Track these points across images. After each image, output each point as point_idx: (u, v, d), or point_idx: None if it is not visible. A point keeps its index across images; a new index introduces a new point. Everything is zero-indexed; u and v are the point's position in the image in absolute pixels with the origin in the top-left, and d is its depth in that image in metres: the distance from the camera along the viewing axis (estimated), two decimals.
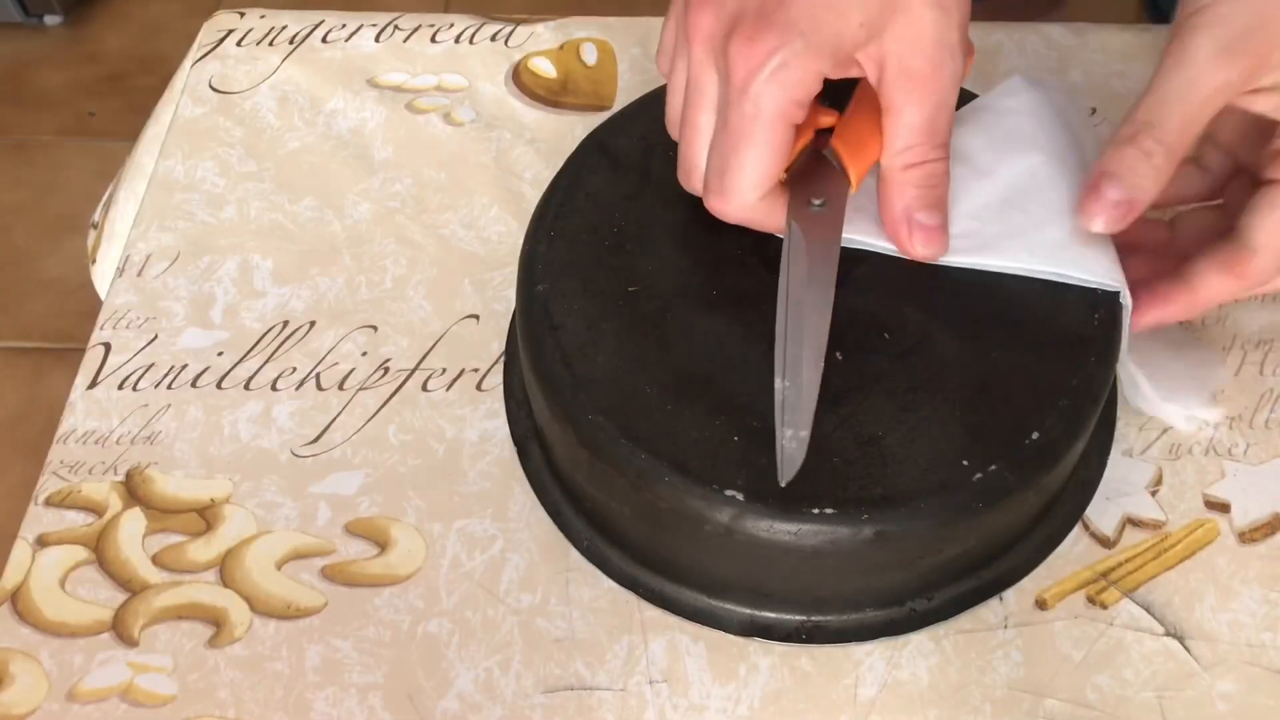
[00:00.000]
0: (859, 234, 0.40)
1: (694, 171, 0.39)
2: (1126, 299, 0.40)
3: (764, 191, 0.37)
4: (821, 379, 0.38)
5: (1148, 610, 0.41)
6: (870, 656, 0.40)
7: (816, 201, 0.39)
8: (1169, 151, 0.38)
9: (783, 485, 0.35)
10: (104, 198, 0.61)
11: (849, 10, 0.35)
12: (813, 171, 0.39)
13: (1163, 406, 0.45)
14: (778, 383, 0.36)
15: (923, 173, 0.38)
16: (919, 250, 0.39)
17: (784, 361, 0.36)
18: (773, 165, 0.37)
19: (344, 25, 0.59)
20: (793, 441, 0.35)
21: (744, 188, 0.37)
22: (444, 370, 0.47)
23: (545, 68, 0.57)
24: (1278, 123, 0.39)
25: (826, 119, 0.40)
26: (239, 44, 0.59)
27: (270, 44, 0.59)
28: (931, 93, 0.36)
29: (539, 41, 0.59)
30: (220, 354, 0.47)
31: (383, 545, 0.42)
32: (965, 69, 0.38)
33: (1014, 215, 0.41)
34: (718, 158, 0.37)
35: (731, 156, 0.37)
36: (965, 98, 0.45)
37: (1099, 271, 0.40)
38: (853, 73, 0.37)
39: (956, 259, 0.40)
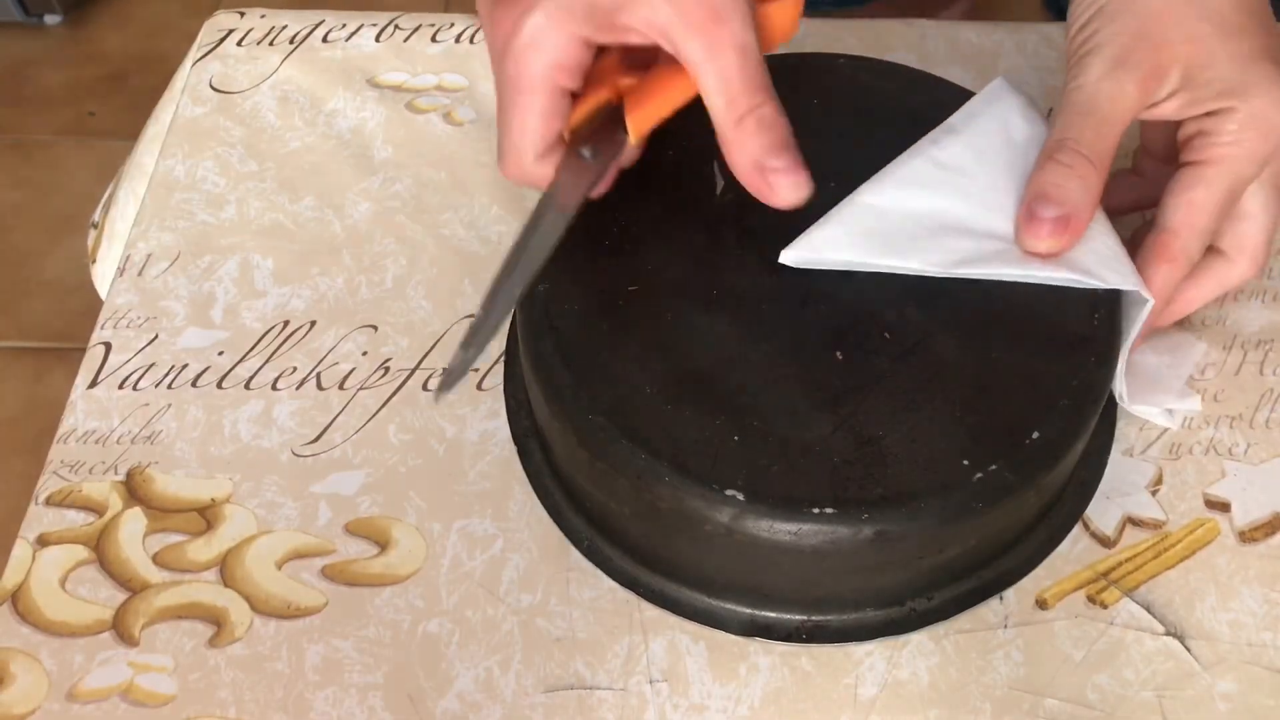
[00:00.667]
0: (866, 256, 0.40)
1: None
2: (1147, 296, 0.40)
3: (535, 153, 0.38)
4: (821, 379, 0.38)
5: (1148, 610, 0.41)
6: (870, 656, 0.40)
7: (585, 152, 0.39)
8: (1089, 161, 0.39)
9: (435, 401, 0.38)
10: (104, 197, 0.61)
11: None
12: (600, 128, 0.39)
13: (1135, 407, 0.45)
14: (478, 312, 0.38)
15: (755, 120, 0.37)
16: (783, 196, 0.38)
17: (488, 294, 0.38)
18: (538, 126, 0.37)
19: (344, 25, 0.59)
20: (459, 361, 0.38)
21: (516, 148, 0.38)
22: (444, 370, 0.47)
23: None
24: (1182, 121, 0.41)
25: (628, 80, 0.39)
26: (239, 44, 0.59)
27: (270, 44, 0.59)
28: (724, 39, 0.36)
29: None
30: (220, 354, 0.47)
31: (383, 545, 0.42)
32: (784, 10, 0.38)
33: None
34: (497, 124, 0.38)
35: (501, 121, 0.38)
36: (961, 95, 0.45)
37: (1110, 276, 0.40)
38: (630, 38, 0.37)
39: (975, 271, 0.40)
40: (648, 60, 0.39)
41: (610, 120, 0.39)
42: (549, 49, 0.36)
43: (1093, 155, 0.39)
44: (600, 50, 0.38)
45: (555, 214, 0.38)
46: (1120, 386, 0.43)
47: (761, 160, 0.37)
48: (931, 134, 0.43)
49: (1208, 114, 0.40)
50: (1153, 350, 0.46)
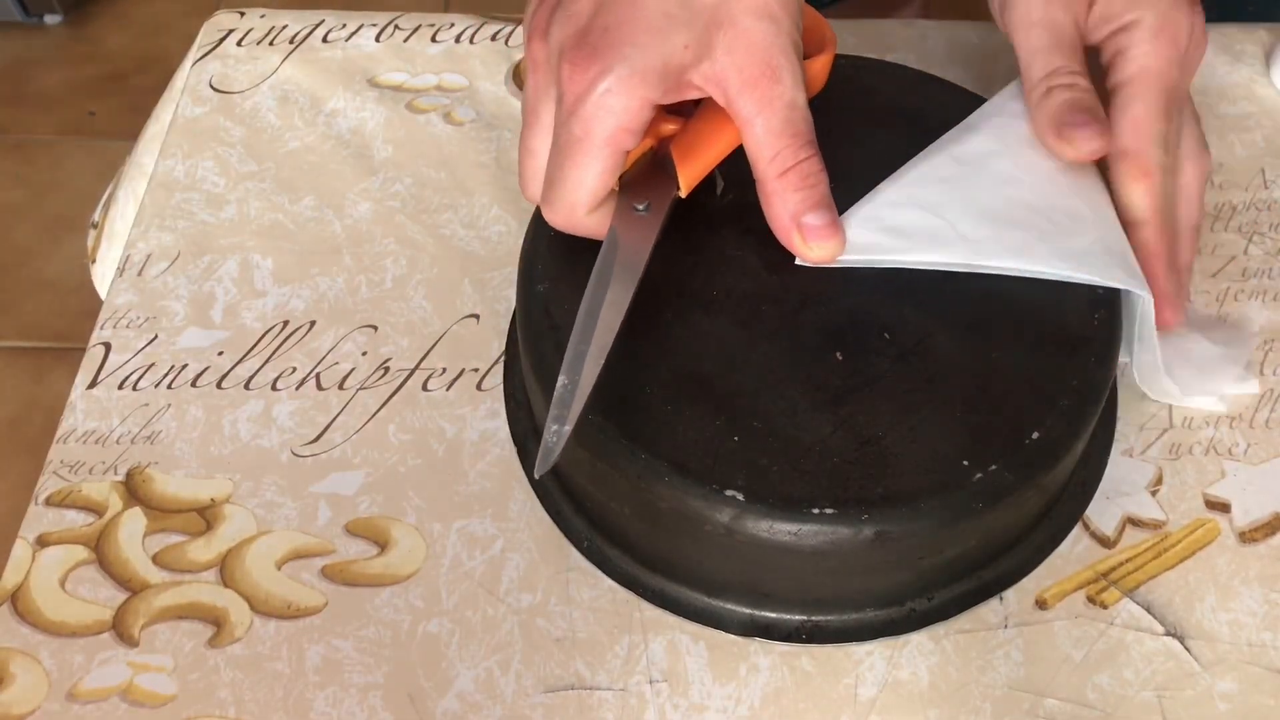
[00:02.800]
0: (886, 254, 0.40)
1: (526, 188, 0.41)
2: (1149, 302, 0.41)
3: (590, 208, 0.39)
4: (821, 379, 0.38)
5: (1148, 610, 0.41)
6: (870, 656, 0.40)
7: (640, 206, 0.40)
8: (1083, 78, 0.42)
9: (536, 477, 0.37)
10: (104, 197, 0.61)
11: (671, 33, 0.36)
12: (647, 176, 0.40)
13: (1189, 400, 0.45)
14: (559, 379, 0.37)
15: (799, 174, 0.38)
16: (814, 253, 0.39)
17: (569, 359, 0.37)
18: (597, 185, 0.38)
19: (344, 25, 0.59)
20: (554, 435, 0.36)
21: (570, 203, 0.39)
22: (444, 370, 0.47)
23: None
24: (1100, 44, 0.44)
25: (670, 127, 0.40)
26: (239, 44, 0.59)
27: (270, 44, 0.59)
28: (778, 95, 0.37)
29: None
30: (220, 354, 0.47)
31: (383, 545, 0.42)
32: (821, 67, 0.41)
33: (1039, 221, 0.41)
34: (550, 172, 0.39)
35: (558, 174, 0.38)
36: (971, 101, 0.45)
37: (1124, 277, 0.40)
38: (691, 95, 0.38)
39: (984, 262, 0.40)
40: (684, 104, 0.40)
41: (656, 168, 0.40)
42: (618, 112, 0.36)
43: (1082, 74, 0.42)
44: None
45: (625, 270, 0.39)
46: (1165, 384, 0.44)
47: (800, 215, 0.39)
48: (951, 132, 0.43)
49: (1119, 29, 0.42)
50: (1209, 339, 0.46)
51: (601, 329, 0.37)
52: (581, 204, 0.38)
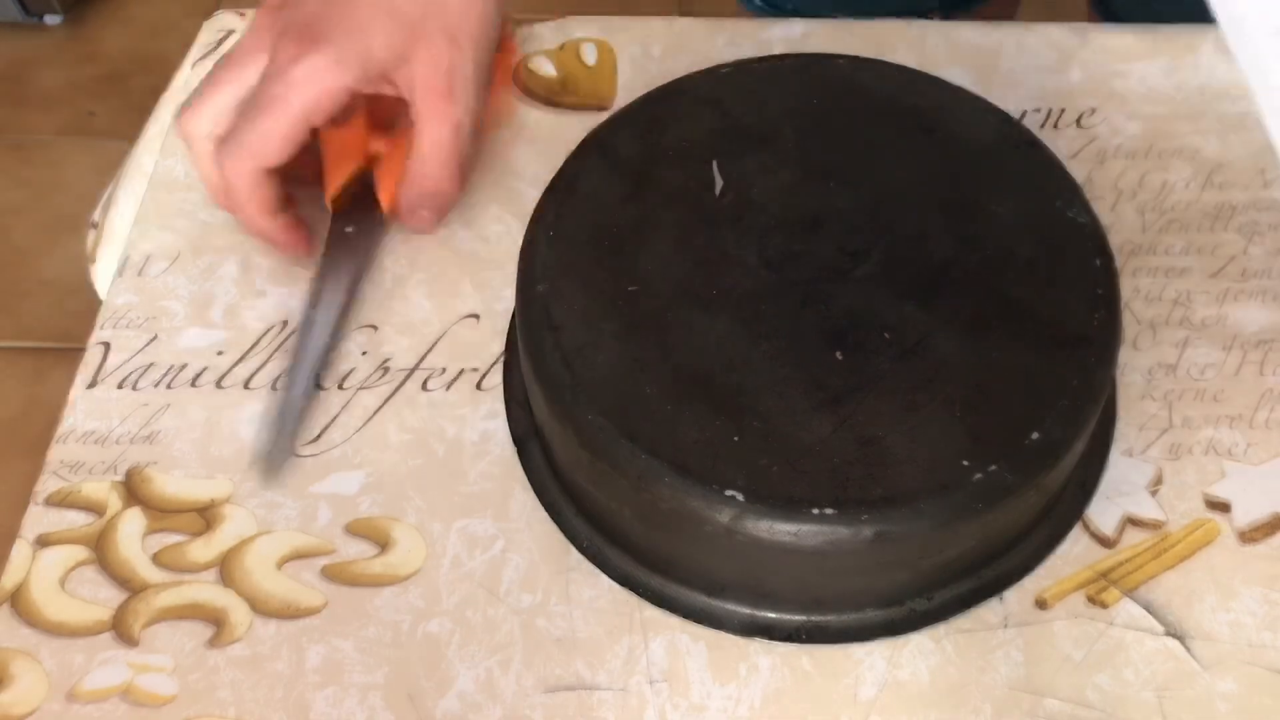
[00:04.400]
0: None
1: (190, 120, 0.45)
2: None
3: (266, 161, 0.43)
4: (821, 379, 0.38)
5: (1148, 610, 0.41)
6: (870, 656, 0.40)
7: (349, 228, 0.45)
8: None
9: (264, 488, 0.41)
10: (104, 197, 0.61)
11: (375, 35, 0.43)
12: (357, 197, 0.45)
13: None
14: (278, 395, 0.43)
15: (432, 196, 0.46)
16: (414, 226, 0.47)
17: (285, 375, 0.43)
18: (279, 144, 0.42)
19: None
20: (279, 446, 0.42)
21: (251, 152, 0.43)
22: (444, 370, 0.47)
23: (545, 67, 0.57)
24: None
25: (378, 146, 0.45)
26: None
27: None
28: (449, 114, 0.44)
29: (539, 41, 0.58)
30: (220, 353, 0.47)
31: (383, 545, 0.42)
32: (499, 102, 0.47)
33: None
34: (240, 121, 0.43)
35: (248, 123, 0.42)
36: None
37: None
38: (386, 90, 0.44)
39: None
40: (391, 121, 0.45)
41: (366, 190, 0.45)
42: (317, 85, 0.42)
43: None
44: (350, 117, 0.45)
45: (338, 288, 0.45)
46: None
47: (419, 209, 0.46)
48: None
49: None
50: None
51: (313, 348, 0.44)
52: (258, 155, 0.42)
